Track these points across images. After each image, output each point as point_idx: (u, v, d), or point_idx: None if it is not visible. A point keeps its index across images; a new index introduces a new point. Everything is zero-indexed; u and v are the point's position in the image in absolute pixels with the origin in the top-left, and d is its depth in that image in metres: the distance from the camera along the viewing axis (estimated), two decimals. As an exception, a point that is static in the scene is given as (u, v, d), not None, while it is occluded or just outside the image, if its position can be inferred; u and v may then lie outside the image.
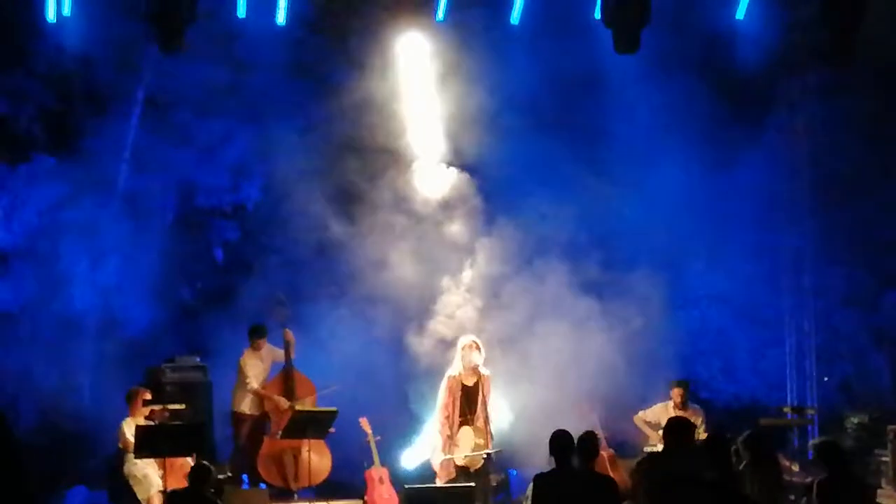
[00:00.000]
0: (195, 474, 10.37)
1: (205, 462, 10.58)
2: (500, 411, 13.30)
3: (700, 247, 14.26)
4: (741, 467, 10.31)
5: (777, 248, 15.03)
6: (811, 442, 9.79)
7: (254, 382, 13.60)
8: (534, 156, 14.31)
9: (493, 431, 12.44)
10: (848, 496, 9.34)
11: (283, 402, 13.53)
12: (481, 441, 12.31)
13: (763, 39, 14.60)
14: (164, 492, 11.69)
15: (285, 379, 13.67)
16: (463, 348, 12.60)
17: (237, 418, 13.72)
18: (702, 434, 13.27)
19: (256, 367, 13.68)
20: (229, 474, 13.04)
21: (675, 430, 9.44)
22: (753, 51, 14.61)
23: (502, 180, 14.43)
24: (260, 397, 13.63)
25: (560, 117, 14.29)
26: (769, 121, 15.08)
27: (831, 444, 9.73)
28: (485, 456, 12.27)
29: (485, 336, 13.12)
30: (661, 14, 13.17)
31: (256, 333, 13.69)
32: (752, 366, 14.15)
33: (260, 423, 13.70)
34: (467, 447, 12.34)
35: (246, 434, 13.68)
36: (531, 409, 13.43)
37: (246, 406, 13.68)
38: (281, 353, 13.71)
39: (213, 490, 10.78)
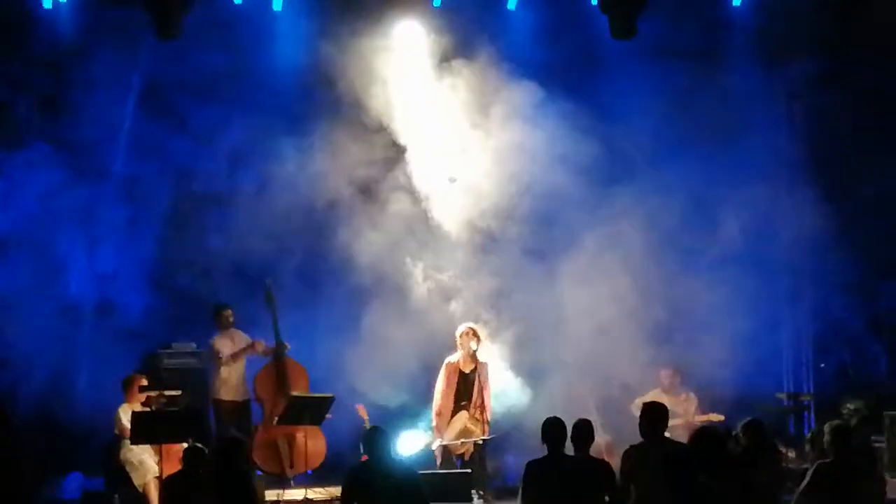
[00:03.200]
0: (189, 456, 10.37)
1: (198, 444, 10.57)
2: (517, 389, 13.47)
3: (697, 232, 14.23)
4: (739, 454, 10.34)
5: (775, 233, 14.99)
6: (826, 425, 9.79)
7: (225, 350, 13.54)
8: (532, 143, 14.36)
9: (490, 419, 12.52)
10: (849, 482, 9.36)
11: (259, 345, 13.55)
12: (475, 428, 12.35)
13: (761, 26, 14.65)
14: (160, 478, 11.72)
15: (277, 367, 13.66)
16: (461, 336, 12.72)
17: (215, 406, 13.69)
18: (694, 419, 13.35)
19: (226, 347, 13.64)
20: None
21: (650, 417, 9.45)
22: (751, 37, 14.65)
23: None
24: (235, 360, 13.57)
25: (558, 102, 14.27)
26: (767, 108, 15.02)
27: (845, 427, 9.73)
28: (479, 442, 12.31)
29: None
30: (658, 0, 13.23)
31: (220, 309, 13.72)
32: (748, 352, 14.11)
33: (242, 410, 13.66)
34: (457, 431, 12.39)
35: (227, 422, 13.62)
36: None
37: (224, 393, 13.64)
38: (257, 343, 13.72)
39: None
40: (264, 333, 13.85)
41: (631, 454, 9.32)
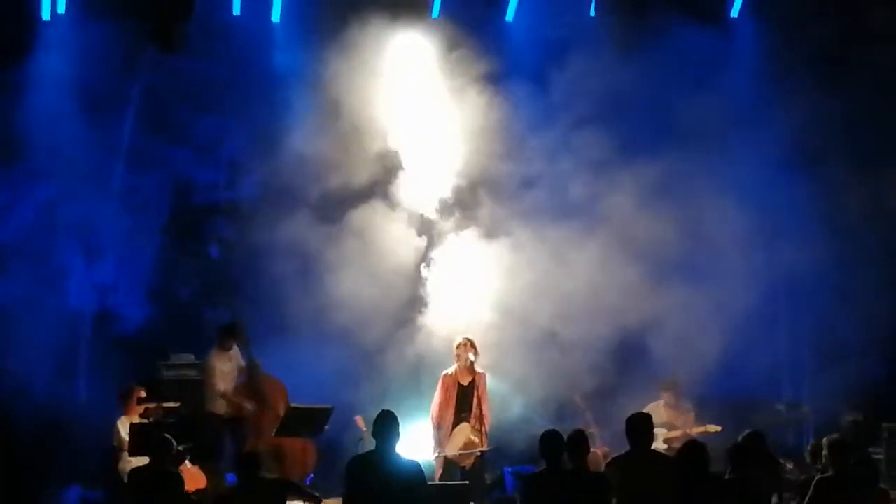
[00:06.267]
0: (156, 449, 10.33)
1: (166, 435, 10.51)
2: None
3: (696, 241, 14.26)
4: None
5: (774, 242, 14.99)
6: (823, 440, 9.83)
7: (220, 384, 13.50)
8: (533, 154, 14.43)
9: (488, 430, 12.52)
10: (850, 496, 9.36)
11: (248, 406, 13.40)
12: (476, 439, 12.34)
13: (759, 36, 14.69)
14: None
15: (249, 386, 13.57)
16: (458, 347, 12.69)
17: (212, 417, 13.59)
18: (692, 431, 13.34)
19: (224, 367, 13.60)
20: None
21: (634, 428, 9.49)
22: (750, 47, 14.70)
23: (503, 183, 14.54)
24: (227, 400, 13.53)
25: (556, 109, 14.31)
26: (766, 115, 15.03)
27: (842, 442, 9.74)
28: (478, 454, 12.31)
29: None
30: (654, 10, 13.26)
31: (228, 334, 13.61)
32: (747, 362, 14.14)
33: (237, 426, 13.62)
34: (461, 444, 12.38)
35: (224, 435, 13.59)
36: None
37: (218, 407, 13.58)
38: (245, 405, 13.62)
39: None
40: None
41: (615, 465, 9.44)
